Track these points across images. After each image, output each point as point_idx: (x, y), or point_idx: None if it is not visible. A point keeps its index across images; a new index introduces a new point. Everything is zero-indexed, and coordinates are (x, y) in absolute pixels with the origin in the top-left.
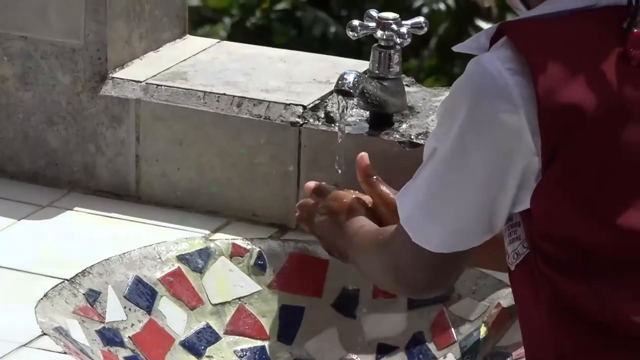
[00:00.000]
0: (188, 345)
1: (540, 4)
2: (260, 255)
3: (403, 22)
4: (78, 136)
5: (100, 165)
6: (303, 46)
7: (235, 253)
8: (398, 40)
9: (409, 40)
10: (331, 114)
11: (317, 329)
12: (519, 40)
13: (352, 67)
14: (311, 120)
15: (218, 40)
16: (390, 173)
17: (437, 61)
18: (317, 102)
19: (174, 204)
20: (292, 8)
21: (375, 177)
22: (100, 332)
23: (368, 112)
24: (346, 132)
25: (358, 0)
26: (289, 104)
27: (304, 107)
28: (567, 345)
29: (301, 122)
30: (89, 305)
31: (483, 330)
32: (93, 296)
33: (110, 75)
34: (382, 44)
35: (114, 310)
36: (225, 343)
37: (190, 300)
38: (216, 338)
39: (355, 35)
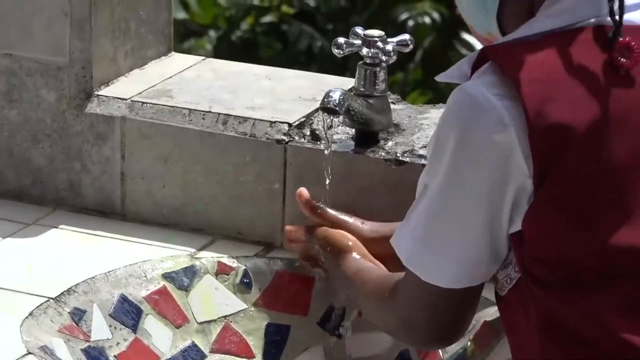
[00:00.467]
0: None
1: (516, 28)
2: (245, 274)
3: (389, 40)
4: (63, 154)
5: (86, 183)
6: (289, 60)
7: (221, 271)
8: (384, 58)
9: (394, 57)
10: (317, 132)
11: (302, 348)
12: (504, 64)
13: (338, 85)
14: (297, 137)
15: (203, 57)
16: (376, 190)
17: (423, 74)
18: (302, 119)
19: (160, 222)
20: (277, 22)
21: (319, 204)
22: (85, 351)
23: (354, 130)
24: (332, 149)
25: (344, 14)
26: (275, 122)
27: (290, 125)
28: None
29: (287, 140)
30: (74, 324)
31: (470, 348)
32: (78, 315)
33: (96, 92)
34: (368, 61)
35: (100, 328)
36: None
37: (176, 318)
38: (202, 356)
39: (341, 52)
